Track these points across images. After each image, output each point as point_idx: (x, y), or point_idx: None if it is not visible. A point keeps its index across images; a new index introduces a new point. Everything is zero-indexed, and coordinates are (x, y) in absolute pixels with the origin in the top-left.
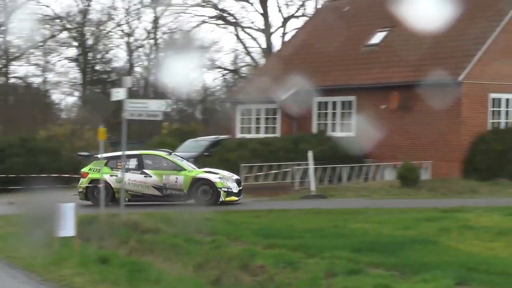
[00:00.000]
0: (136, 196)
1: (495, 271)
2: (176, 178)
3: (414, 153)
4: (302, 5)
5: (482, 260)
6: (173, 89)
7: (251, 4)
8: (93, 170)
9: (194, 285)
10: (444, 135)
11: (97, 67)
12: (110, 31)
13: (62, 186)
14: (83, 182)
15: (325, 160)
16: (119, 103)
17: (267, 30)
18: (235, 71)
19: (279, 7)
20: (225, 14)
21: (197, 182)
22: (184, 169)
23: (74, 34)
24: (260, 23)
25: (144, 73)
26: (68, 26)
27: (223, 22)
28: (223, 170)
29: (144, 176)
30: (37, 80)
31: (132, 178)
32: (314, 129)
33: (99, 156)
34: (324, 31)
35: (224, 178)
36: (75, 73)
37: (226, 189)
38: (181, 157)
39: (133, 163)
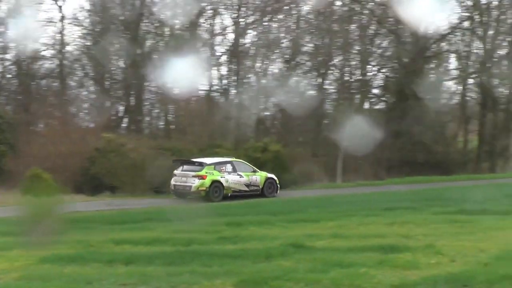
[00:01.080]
0: (235, 191)
1: None
2: (256, 177)
3: None
4: None
5: None
6: None
7: None
8: (209, 173)
9: None
10: None
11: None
12: None
13: None
14: (205, 183)
15: None
16: None
17: None
18: None
19: None
20: None
21: (267, 180)
22: (257, 171)
23: None
24: None
25: None
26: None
27: None
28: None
29: (240, 177)
30: None
31: (232, 179)
32: None
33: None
34: None
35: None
36: None
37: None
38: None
39: (229, 167)
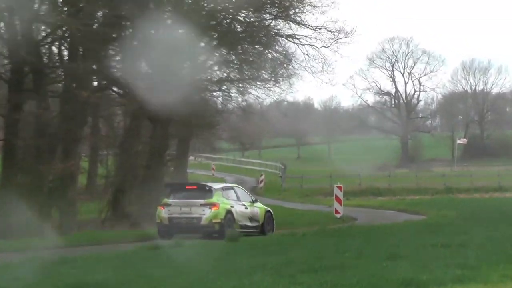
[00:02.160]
0: (242, 227)
1: None
2: (257, 210)
3: None
4: None
5: None
6: None
7: None
8: (221, 201)
9: None
10: None
11: None
12: None
13: None
14: (220, 214)
15: None
16: None
17: None
18: None
19: None
20: None
21: (266, 214)
22: (257, 201)
23: None
24: None
25: None
26: None
27: None
28: None
29: (245, 208)
30: None
31: (239, 210)
32: None
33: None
34: None
35: None
36: None
37: None
38: None
39: (233, 195)
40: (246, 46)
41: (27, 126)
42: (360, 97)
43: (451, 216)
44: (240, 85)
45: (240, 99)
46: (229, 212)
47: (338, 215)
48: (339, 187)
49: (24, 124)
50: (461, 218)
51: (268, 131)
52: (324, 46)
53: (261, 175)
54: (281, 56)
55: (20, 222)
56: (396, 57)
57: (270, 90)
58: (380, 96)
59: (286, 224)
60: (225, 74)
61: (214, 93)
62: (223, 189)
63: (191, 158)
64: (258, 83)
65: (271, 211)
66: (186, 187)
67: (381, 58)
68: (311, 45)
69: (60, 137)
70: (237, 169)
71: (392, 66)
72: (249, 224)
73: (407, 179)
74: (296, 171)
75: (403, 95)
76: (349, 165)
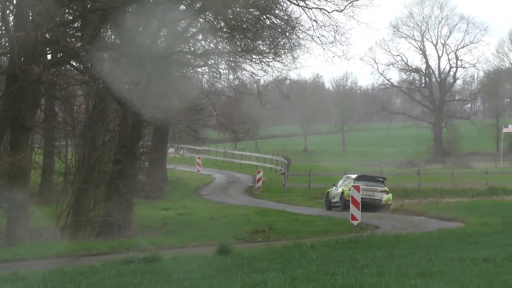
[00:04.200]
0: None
1: None
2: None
3: None
4: None
5: None
6: None
7: None
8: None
9: None
10: None
11: None
12: None
13: None
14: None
15: None
16: None
17: None
18: None
19: None
20: None
21: None
22: None
23: None
24: None
25: None
26: None
27: None
28: None
29: None
30: None
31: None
32: None
33: None
34: None
35: None
36: None
37: None
38: None
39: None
40: (238, 9)
41: None
42: (381, 74)
43: (495, 223)
44: (231, 59)
45: (231, 77)
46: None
47: (355, 222)
48: (356, 187)
49: None
50: (508, 225)
51: (267, 117)
52: (337, 10)
53: (259, 172)
54: (282, 23)
55: None
56: (427, 24)
57: (268, 65)
58: (407, 73)
59: (290, 233)
60: (212, 45)
61: (199, 69)
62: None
63: (170, 150)
64: (253, 56)
65: None
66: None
67: (408, 26)
68: (320, 9)
69: (6, 124)
70: (228, 164)
71: (422, 36)
72: None
73: (441, 177)
74: (302, 168)
75: (436, 73)
76: (368, 159)
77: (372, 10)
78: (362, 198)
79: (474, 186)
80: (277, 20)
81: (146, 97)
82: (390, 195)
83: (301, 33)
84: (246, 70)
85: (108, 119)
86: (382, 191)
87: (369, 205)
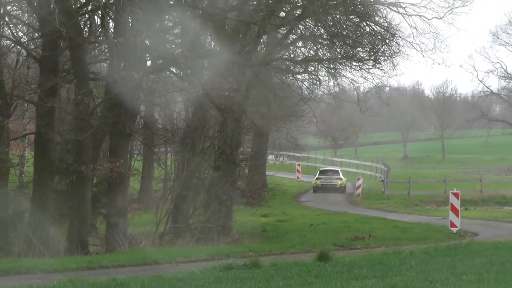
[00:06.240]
0: None
1: None
2: None
3: None
4: None
5: None
6: None
7: None
8: None
9: None
10: None
11: None
12: None
13: None
14: None
15: None
16: None
17: None
18: None
19: None
20: None
21: None
22: None
23: None
24: None
25: None
26: None
27: None
28: None
29: None
30: None
31: None
32: None
33: None
34: None
35: None
36: None
37: None
38: None
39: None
40: (338, 16)
41: (64, 117)
42: (481, 81)
43: None
44: (331, 65)
45: (331, 84)
46: None
47: (454, 229)
48: (456, 194)
49: (61, 114)
50: None
51: (366, 124)
52: (436, 17)
53: (358, 179)
54: (382, 30)
55: (58, 236)
56: None
57: (368, 72)
58: (507, 80)
59: (389, 240)
60: (311, 52)
61: (299, 76)
62: None
63: (270, 157)
64: (353, 63)
65: None
66: None
67: (508, 33)
68: (420, 16)
69: (105, 130)
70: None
71: None
72: None
73: None
74: (402, 175)
75: None
76: (467, 166)
77: (471, 16)
78: (322, 184)
79: None
80: (377, 27)
81: (246, 104)
82: (343, 181)
83: (401, 40)
84: (346, 77)
85: (207, 125)
86: (337, 179)
87: (328, 188)
